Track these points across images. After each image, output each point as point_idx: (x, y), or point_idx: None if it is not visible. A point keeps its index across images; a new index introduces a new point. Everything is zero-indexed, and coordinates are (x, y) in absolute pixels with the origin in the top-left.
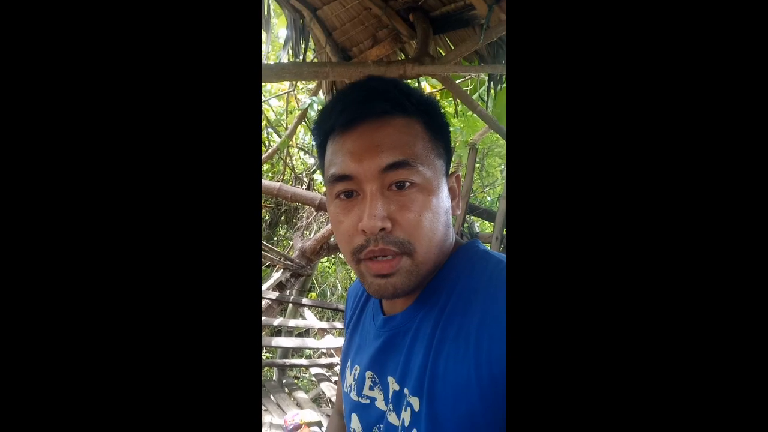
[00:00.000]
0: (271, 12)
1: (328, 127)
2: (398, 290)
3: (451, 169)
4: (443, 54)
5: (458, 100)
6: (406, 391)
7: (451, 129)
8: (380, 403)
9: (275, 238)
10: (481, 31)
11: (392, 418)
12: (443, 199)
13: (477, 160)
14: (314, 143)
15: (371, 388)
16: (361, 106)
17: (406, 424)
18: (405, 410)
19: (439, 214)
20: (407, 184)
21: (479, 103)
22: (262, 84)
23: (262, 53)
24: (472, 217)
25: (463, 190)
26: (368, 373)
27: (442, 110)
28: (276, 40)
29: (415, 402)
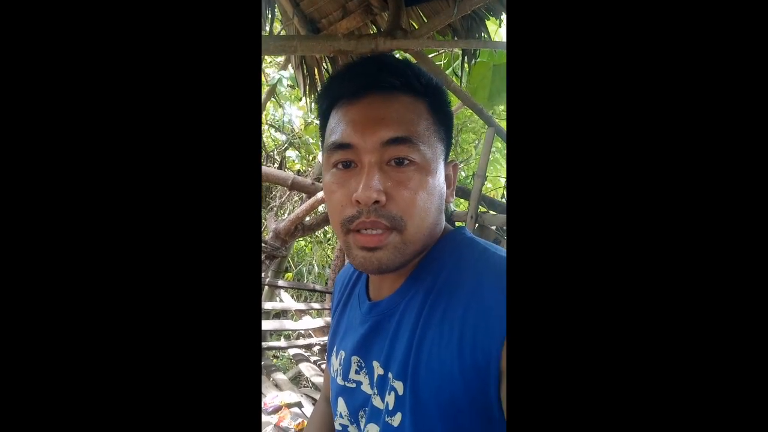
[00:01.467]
0: None
1: (335, 95)
2: (383, 265)
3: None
4: (416, 27)
5: None
6: (390, 375)
7: None
8: (366, 387)
9: None
10: (455, 4)
11: (377, 401)
12: (440, 182)
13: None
14: (317, 110)
15: (357, 373)
16: (371, 78)
17: (390, 408)
18: (389, 394)
19: (434, 195)
20: (406, 161)
21: (453, 78)
22: None
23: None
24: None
25: (479, 167)
26: (354, 358)
27: (447, 96)
28: None
29: (399, 386)
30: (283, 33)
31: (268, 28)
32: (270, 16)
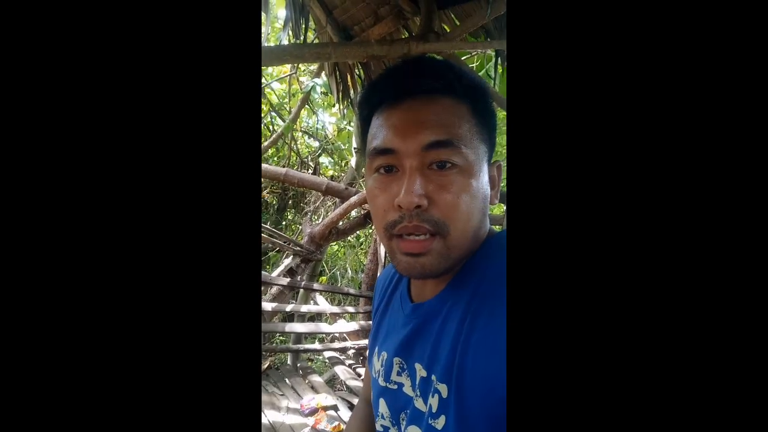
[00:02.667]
0: None
1: (375, 100)
2: (427, 271)
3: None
4: (448, 30)
5: None
6: (433, 377)
7: None
8: (407, 389)
9: (283, 223)
10: (488, 5)
11: (419, 403)
12: (483, 184)
13: None
14: (359, 115)
15: (399, 374)
16: (410, 82)
17: (434, 410)
18: (432, 396)
19: (477, 198)
20: (448, 164)
21: (486, 80)
22: (263, 67)
23: (261, 35)
24: None
25: None
26: (396, 359)
27: (491, 96)
28: (275, 21)
29: (443, 389)
30: (317, 41)
31: (302, 37)
32: (304, 25)
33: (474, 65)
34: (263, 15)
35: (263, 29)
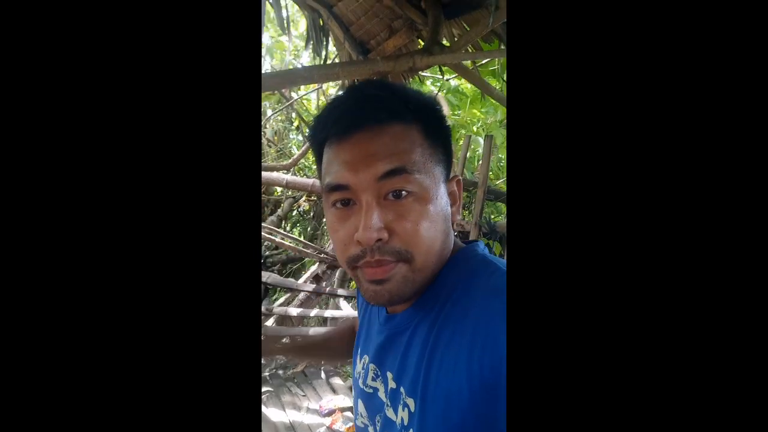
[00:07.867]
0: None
1: (323, 136)
2: (394, 297)
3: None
4: (461, 35)
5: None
6: (402, 390)
7: (484, 109)
8: (381, 395)
9: (320, 229)
10: (491, 14)
11: (390, 413)
12: (442, 206)
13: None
14: (311, 146)
15: (374, 380)
16: (356, 115)
17: (405, 423)
18: (403, 410)
19: (437, 222)
20: (404, 192)
21: (499, 84)
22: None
23: (285, 55)
24: (497, 203)
25: (480, 179)
26: (371, 366)
27: (443, 113)
28: (302, 36)
29: (411, 403)
30: (337, 59)
31: (323, 54)
32: (325, 43)
33: (496, 68)
34: (285, 36)
35: (286, 50)
